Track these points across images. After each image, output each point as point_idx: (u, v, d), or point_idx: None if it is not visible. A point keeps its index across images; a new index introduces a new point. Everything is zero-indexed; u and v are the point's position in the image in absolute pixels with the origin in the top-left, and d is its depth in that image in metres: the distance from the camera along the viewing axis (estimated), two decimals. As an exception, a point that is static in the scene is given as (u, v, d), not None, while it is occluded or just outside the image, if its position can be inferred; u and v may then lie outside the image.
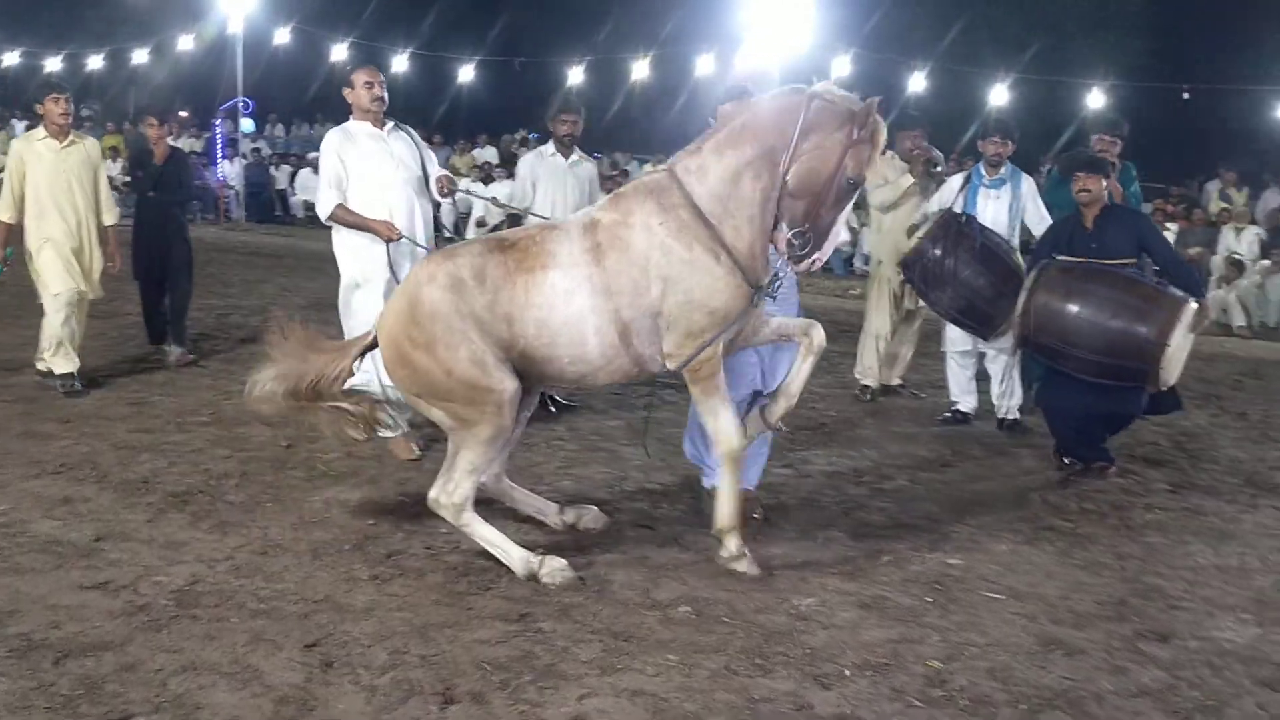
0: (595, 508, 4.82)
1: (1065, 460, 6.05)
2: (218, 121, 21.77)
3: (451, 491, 4.28)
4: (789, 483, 5.66)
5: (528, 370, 4.28)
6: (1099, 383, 5.58)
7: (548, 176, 6.75)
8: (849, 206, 4.27)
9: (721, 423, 4.32)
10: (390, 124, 5.77)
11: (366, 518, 4.85)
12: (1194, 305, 5.46)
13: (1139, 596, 4.36)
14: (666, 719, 3.26)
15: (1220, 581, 4.57)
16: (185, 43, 23.26)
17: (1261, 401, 8.37)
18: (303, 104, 26.59)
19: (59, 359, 6.80)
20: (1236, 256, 14.10)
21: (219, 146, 21.29)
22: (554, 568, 4.19)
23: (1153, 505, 5.57)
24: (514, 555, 4.25)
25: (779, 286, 4.40)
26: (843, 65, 17.70)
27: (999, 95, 16.82)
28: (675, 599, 4.12)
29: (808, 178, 4.13)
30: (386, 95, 5.77)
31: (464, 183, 6.33)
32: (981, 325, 6.35)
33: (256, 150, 22.83)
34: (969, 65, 17.08)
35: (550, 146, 6.88)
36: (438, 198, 5.89)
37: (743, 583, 4.28)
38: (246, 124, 23.46)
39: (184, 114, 21.63)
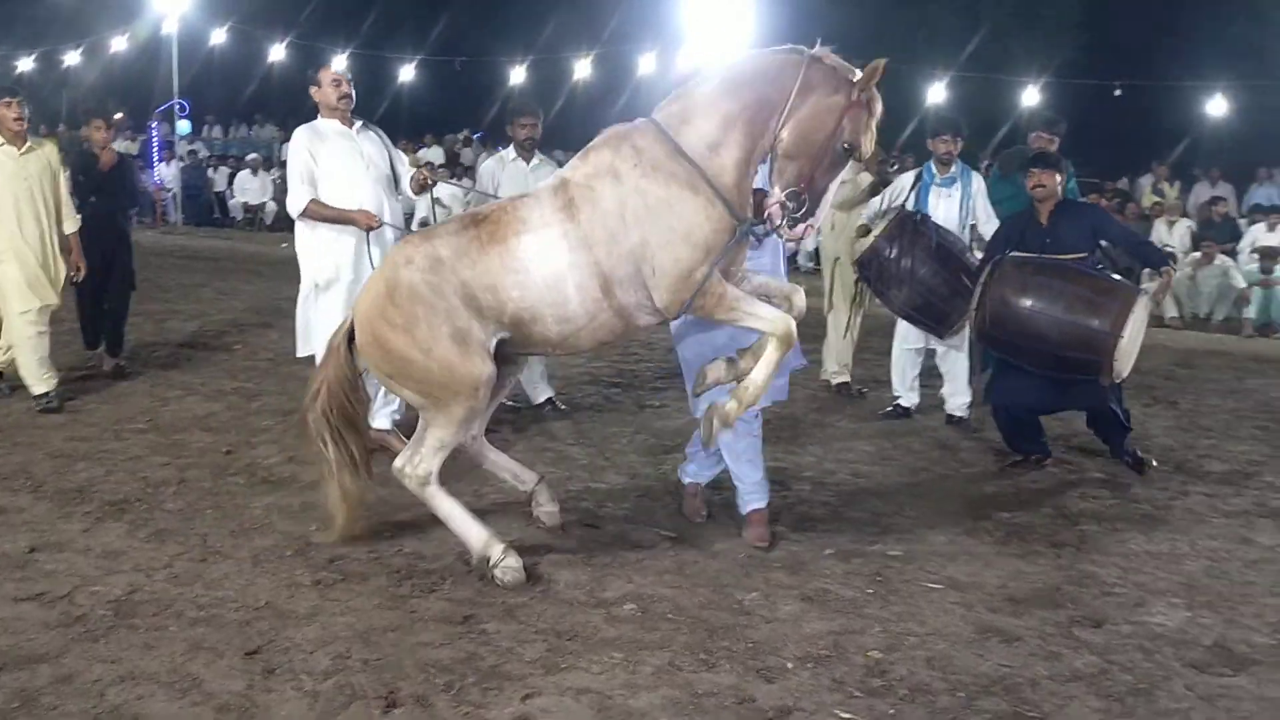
0: (557, 508, 4.84)
1: (1012, 453, 6.14)
2: (153, 124, 21.45)
3: (417, 464, 4.32)
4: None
5: (518, 335, 4.28)
6: (1054, 376, 5.66)
7: (510, 182, 6.54)
8: (841, 174, 4.16)
9: (760, 318, 4.14)
10: (359, 123, 5.77)
11: (308, 523, 4.80)
12: (1146, 297, 5.54)
13: (1074, 584, 4.45)
14: (611, 716, 3.28)
15: (1152, 567, 4.68)
16: (119, 43, 22.87)
17: (1192, 391, 8.57)
18: (240, 105, 26.26)
19: (36, 380, 6.59)
20: (1169, 249, 14.40)
21: (155, 149, 20.97)
22: (509, 565, 4.19)
23: (1087, 494, 5.68)
24: (473, 534, 4.27)
25: (766, 233, 4.30)
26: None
27: (937, 93, 17.08)
28: (620, 597, 4.14)
29: (803, 137, 4.01)
30: (353, 93, 5.75)
31: (441, 183, 6.20)
32: (938, 323, 6.39)
33: (193, 152, 22.49)
34: (907, 63, 17.28)
35: (511, 151, 6.77)
36: (410, 194, 5.88)
37: (687, 579, 4.31)
38: (183, 126, 23.08)
39: (119, 116, 21.23)
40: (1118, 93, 15.67)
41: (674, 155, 4.07)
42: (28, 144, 6.59)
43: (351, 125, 5.73)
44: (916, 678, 3.59)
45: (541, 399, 6.98)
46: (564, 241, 4.14)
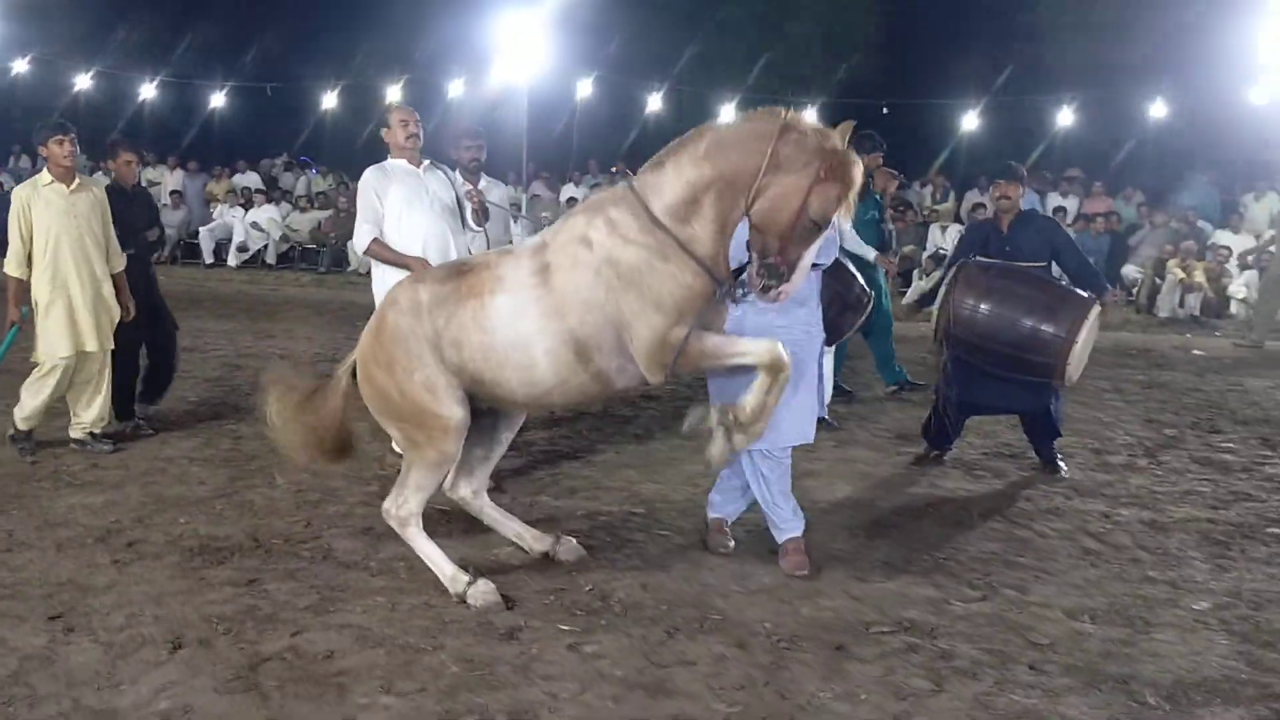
0: (573, 540, 4.85)
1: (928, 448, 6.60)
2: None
3: (400, 505, 4.45)
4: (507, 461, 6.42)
5: (479, 393, 4.36)
6: (1009, 377, 5.94)
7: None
8: (817, 245, 4.13)
9: (746, 354, 4.15)
10: (426, 161, 5.97)
11: (109, 517, 5.28)
12: (1099, 307, 5.83)
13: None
14: (367, 643, 3.93)
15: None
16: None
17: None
18: (47, 136, 25.55)
19: (26, 418, 6.39)
20: (943, 252, 15.83)
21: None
22: (481, 590, 4.29)
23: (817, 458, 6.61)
24: (446, 572, 4.38)
25: (745, 295, 4.24)
26: (585, 87, 18.78)
27: (729, 113, 18.31)
28: (391, 558, 4.78)
29: (770, 215, 3.98)
30: (421, 133, 5.95)
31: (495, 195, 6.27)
32: (829, 333, 6.79)
33: (-1, 184, 21.93)
34: (700, 86, 18.43)
35: (458, 176, 6.41)
36: (475, 227, 6.03)
37: (452, 539, 4.99)
38: (-12, 157, 22.48)
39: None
40: (885, 111, 17.19)
41: (647, 225, 4.08)
42: (77, 181, 6.41)
43: (419, 164, 5.93)
44: (631, 598, 4.36)
45: None
46: (535, 306, 4.16)
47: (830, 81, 19.69)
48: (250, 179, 20.80)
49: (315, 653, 3.83)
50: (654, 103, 18.10)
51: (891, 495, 5.95)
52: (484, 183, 6.64)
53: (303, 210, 18.75)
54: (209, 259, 19.39)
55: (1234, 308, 14.48)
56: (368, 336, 4.49)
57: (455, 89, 18.53)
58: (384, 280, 5.73)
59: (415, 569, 4.63)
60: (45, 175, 6.35)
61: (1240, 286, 14.54)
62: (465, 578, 4.31)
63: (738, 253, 4.20)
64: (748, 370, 4.18)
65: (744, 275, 4.17)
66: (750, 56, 19.73)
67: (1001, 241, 6.30)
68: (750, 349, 4.13)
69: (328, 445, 4.67)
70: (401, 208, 5.80)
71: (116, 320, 6.54)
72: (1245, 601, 4.50)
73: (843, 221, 7.19)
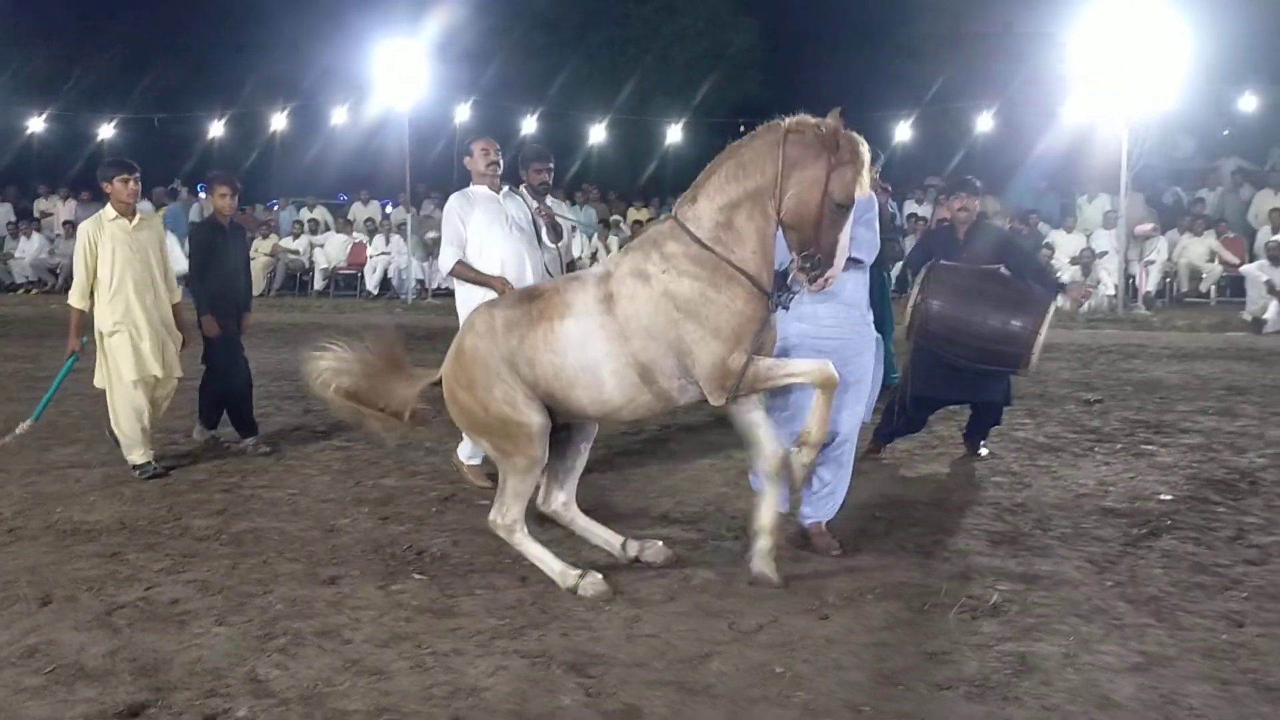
0: (660, 542, 5.06)
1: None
2: None
3: (504, 514, 4.77)
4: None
5: (555, 407, 4.67)
6: (977, 369, 6.38)
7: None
8: (849, 224, 4.45)
9: (799, 374, 4.50)
10: (505, 188, 6.46)
11: (-9, 510, 6.00)
12: (1057, 302, 6.41)
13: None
14: (209, 592, 4.71)
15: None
16: None
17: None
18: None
19: (134, 449, 6.70)
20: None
21: None
22: (591, 581, 4.61)
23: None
24: (555, 569, 4.70)
25: (791, 298, 4.59)
26: (464, 112, 19.65)
27: (598, 133, 19.43)
28: (242, 531, 5.58)
29: (798, 211, 4.33)
30: (500, 161, 6.43)
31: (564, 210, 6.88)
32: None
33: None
34: (571, 109, 19.47)
35: (529, 197, 6.82)
36: (549, 244, 6.54)
37: (297, 515, 5.80)
38: None
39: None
40: (742, 128, 18.57)
41: (697, 256, 4.41)
42: (139, 216, 6.78)
43: (499, 190, 6.42)
44: (443, 552, 5.23)
45: None
46: (601, 332, 4.48)
47: (693, 100, 20.88)
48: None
49: (164, 600, 4.61)
50: (528, 125, 19.10)
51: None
52: (549, 201, 7.07)
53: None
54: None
55: (1060, 301, 15.81)
56: (450, 361, 4.84)
57: (339, 115, 19.27)
58: (467, 300, 6.17)
59: (263, 541, 5.42)
60: (110, 210, 6.68)
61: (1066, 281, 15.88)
62: (575, 573, 4.65)
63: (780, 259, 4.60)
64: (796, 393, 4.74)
65: (790, 278, 4.52)
66: (618, 79, 20.86)
67: (958, 248, 6.73)
68: (803, 369, 4.51)
69: (388, 419, 5.01)
70: (483, 231, 6.26)
71: (176, 352, 6.87)
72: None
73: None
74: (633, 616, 4.40)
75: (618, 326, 4.45)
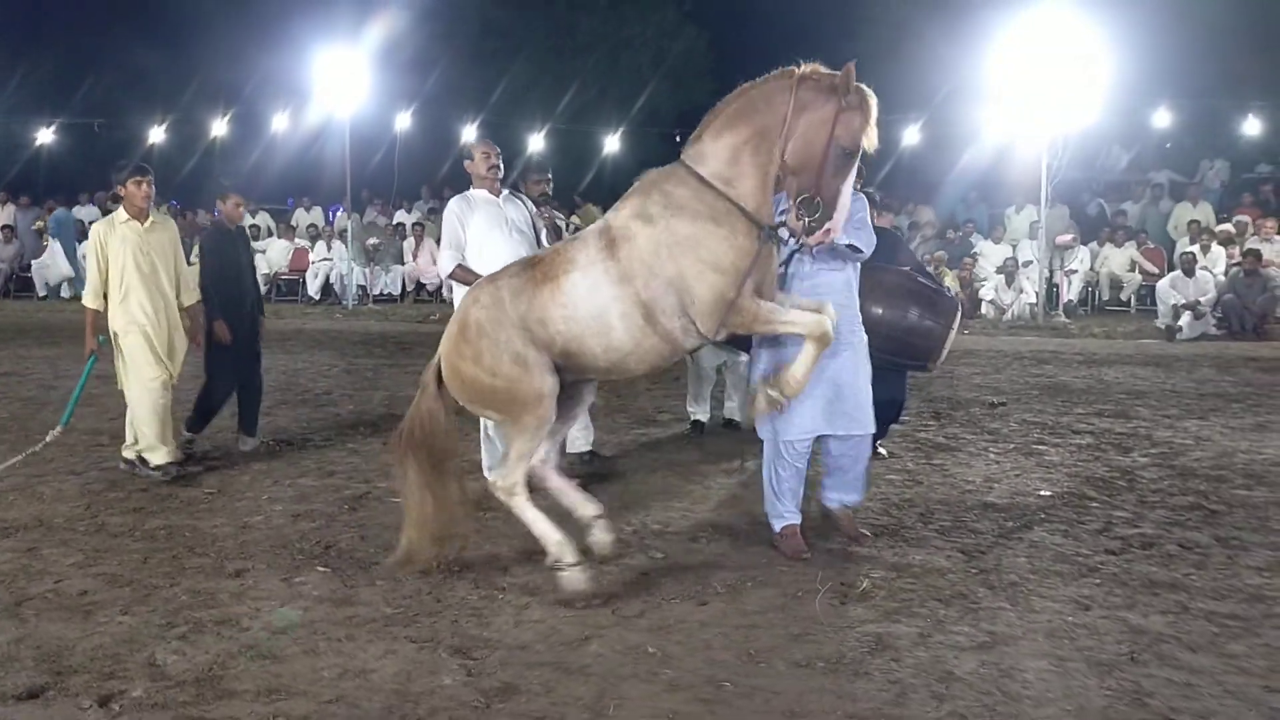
0: (612, 536, 5.01)
1: None
2: None
3: (506, 476, 4.82)
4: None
5: (568, 363, 4.74)
6: (883, 362, 6.18)
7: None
8: (851, 177, 4.52)
9: (795, 324, 4.59)
10: (505, 191, 6.55)
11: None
12: (959, 302, 6.59)
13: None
14: (117, 584, 4.89)
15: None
16: None
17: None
18: None
19: (157, 448, 6.71)
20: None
21: None
22: (572, 577, 4.67)
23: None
24: (552, 540, 4.74)
25: (787, 240, 4.71)
26: (405, 119, 19.81)
27: (536, 142, 19.79)
28: (155, 528, 5.76)
29: (803, 151, 4.43)
30: (501, 164, 6.51)
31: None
32: (735, 343, 7.07)
33: None
34: (511, 117, 19.73)
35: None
36: (549, 247, 6.47)
37: (212, 515, 5.98)
38: None
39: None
40: (677, 140, 18.95)
41: (698, 193, 4.53)
42: (151, 219, 6.80)
43: (499, 194, 6.51)
44: (350, 546, 5.44)
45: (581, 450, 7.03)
46: (606, 277, 4.58)
47: (639, 108, 21.23)
48: (90, 211, 21.19)
49: (72, 592, 4.80)
50: (469, 133, 19.31)
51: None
52: (546, 213, 7.18)
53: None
54: (42, 292, 19.78)
55: (984, 309, 16.34)
56: (450, 340, 4.86)
57: (280, 121, 19.36)
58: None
59: (174, 537, 5.60)
60: (122, 213, 6.76)
61: (990, 290, 16.41)
62: (571, 555, 4.68)
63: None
64: (792, 342, 4.78)
65: (790, 234, 4.58)
66: (556, 88, 21.18)
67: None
68: (801, 320, 4.58)
69: (436, 456, 4.97)
70: (483, 234, 6.35)
71: (182, 353, 6.92)
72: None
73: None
74: (523, 604, 4.65)
75: (620, 269, 4.56)
